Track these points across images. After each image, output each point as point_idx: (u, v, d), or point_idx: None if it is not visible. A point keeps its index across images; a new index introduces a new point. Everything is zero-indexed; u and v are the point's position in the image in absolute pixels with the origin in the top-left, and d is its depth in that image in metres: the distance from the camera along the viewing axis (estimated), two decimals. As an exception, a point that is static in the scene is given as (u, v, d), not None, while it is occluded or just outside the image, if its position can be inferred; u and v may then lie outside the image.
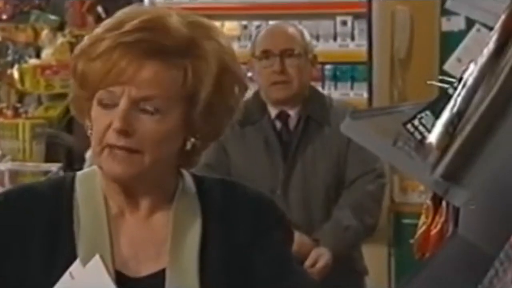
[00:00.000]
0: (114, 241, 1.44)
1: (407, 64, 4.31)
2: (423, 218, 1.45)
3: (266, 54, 2.98)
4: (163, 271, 1.43)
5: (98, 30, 1.43)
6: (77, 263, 1.41)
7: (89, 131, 1.45)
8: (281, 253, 1.50)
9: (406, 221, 4.11)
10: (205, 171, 2.95)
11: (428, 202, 1.42)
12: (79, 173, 1.52)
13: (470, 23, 3.99)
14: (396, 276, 4.19)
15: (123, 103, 1.39)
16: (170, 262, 1.44)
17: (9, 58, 4.66)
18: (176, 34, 1.40)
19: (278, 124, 3.00)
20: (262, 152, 2.96)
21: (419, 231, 1.44)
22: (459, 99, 1.35)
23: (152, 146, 1.40)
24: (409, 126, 1.38)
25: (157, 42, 1.39)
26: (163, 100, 1.40)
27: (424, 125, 1.39)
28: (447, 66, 4.07)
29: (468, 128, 1.26)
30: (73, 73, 1.44)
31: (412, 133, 1.38)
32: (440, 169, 1.27)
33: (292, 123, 2.99)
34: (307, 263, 2.86)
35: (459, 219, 1.25)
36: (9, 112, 4.30)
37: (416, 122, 1.39)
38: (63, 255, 1.43)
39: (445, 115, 1.35)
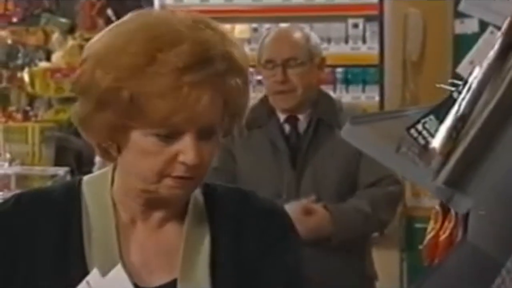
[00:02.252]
0: (123, 249, 1.43)
1: (420, 67, 4.27)
2: (431, 223, 1.43)
3: (269, 63, 2.96)
4: (174, 282, 1.43)
5: (141, 53, 1.34)
6: (95, 273, 1.38)
7: (111, 146, 1.41)
8: (292, 263, 1.50)
9: (418, 225, 4.09)
10: (212, 175, 2.89)
11: (437, 207, 1.41)
12: (86, 177, 1.51)
13: (483, 25, 3.95)
14: (408, 280, 4.17)
15: (191, 137, 1.38)
16: (182, 273, 1.43)
17: (19, 61, 4.67)
18: (224, 55, 1.38)
19: (287, 128, 2.97)
20: (268, 155, 2.92)
21: (428, 237, 1.42)
22: (464, 103, 1.32)
23: (207, 169, 1.43)
24: (412, 131, 1.36)
25: (215, 70, 1.37)
26: (217, 123, 1.41)
27: (427, 130, 1.36)
28: (460, 69, 4.04)
29: (472, 133, 1.24)
30: (108, 95, 1.36)
31: (415, 138, 1.36)
32: (443, 175, 1.25)
33: (301, 126, 2.96)
34: (304, 209, 2.82)
35: (468, 225, 1.24)
36: (19, 116, 4.30)
37: (419, 127, 1.37)
38: (73, 262, 1.42)
39: (449, 120, 1.32)
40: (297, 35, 2.98)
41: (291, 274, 1.49)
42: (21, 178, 3.56)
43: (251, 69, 1.50)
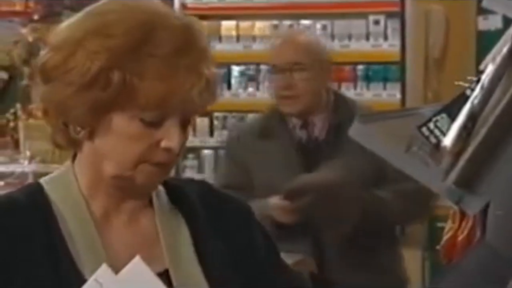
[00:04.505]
0: (104, 244, 1.41)
1: (442, 64, 4.24)
2: (449, 223, 1.42)
3: (274, 68, 2.93)
4: (165, 272, 1.42)
5: (127, 34, 1.35)
6: (104, 269, 1.34)
7: (81, 133, 1.39)
8: (263, 230, 1.56)
9: (440, 224, 4.05)
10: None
11: (455, 207, 1.38)
12: (44, 179, 1.47)
13: (507, 22, 3.89)
14: (430, 279, 4.14)
15: (176, 123, 1.38)
16: (171, 262, 1.43)
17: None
18: (206, 41, 1.42)
19: (302, 134, 2.90)
20: (283, 165, 2.84)
21: (446, 237, 1.40)
22: (476, 102, 1.29)
23: (180, 157, 1.43)
24: (424, 129, 1.34)
25: (205, 55, 1.40)
26: (198, 111, 1.43)
27: (439, 129, 1.34)
28: (483, 66, 3.99)
29: (482, 132, 1.22)
30: (97, 77, 1.35)
31: (427, 137, 1.34)
32: (453, 175, 1.24)
33: (317, 131, 2.89)
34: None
35: (487, 225, 1.22)
36: (39, 113, 4.31)
37: (431, 125, 1.34)
38: (63, 266, 1.39)
39: (461, 118, 1.29)
40: (303, 39, 2.95)
41: (267, 242, 1.55)
42: (39, 176, 3.56)
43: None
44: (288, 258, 1.69)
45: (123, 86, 1.35)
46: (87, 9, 1.41)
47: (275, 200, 2.77)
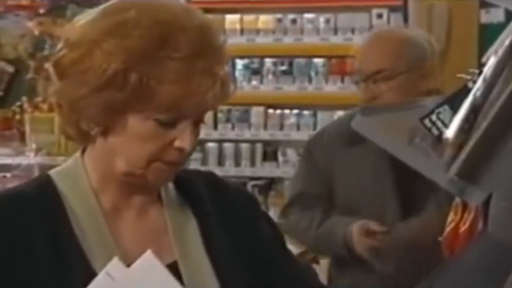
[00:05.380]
0: (114, 237, 1.42)
1: (445, 57, 4.23)
2: (451, 215, 1.43)
3: (359, 75, 2.49)
4: (174, 264, 1.42)
5: (147, 38, 1.33)
6: (115, 263, 1.34)
7: (94, 129, 1.39)
8: (270, 221, 1.57)
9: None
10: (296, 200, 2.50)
11: (457, 199, 1.40)
12: (53, 172, 1.46)
13: (509, 15, 3.91)
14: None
15: (190, 123, 1.38)
16: (180, 254, 1.44)
17: (46, 52, 4.70)
18: (223, 42, 1.40)
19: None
20: (369, 176, 2.44)
21: (448, 228, 1.41)
22: (478, 94, 1.31)
23: (190, 155, 1.44)
24: (426, 121, 1.36)
25: (220, 57, 1.39)
26: (212, 110, 1.44)
27: (442, 120, 1.36)
28: (485, 59, 4.00)
29: (484, 124, 1.23)
30: (114, 78, 1.34)
31: (429, 129, 1.36)
32: (455, 167, 1.25)
33: None
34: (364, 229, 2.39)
35: (489, 217, 1.23)
36: (45, 106, 4.33)
37: (433, 117, 1.36)
38: (72, 258, 1.39)
39: (463, 110, 1.31)
40: (393, 41, 2.48)
41: (274, 232, 1.55)
42: (45, 168, 3.59)
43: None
44: (294, 249, 1.70)
45: (138, 87, 1.34)
46: (104, 7, 1.40)
47: (360, 230, 2.38)
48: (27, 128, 4.37)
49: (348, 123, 2.48)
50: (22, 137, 4.41)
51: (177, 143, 1.38)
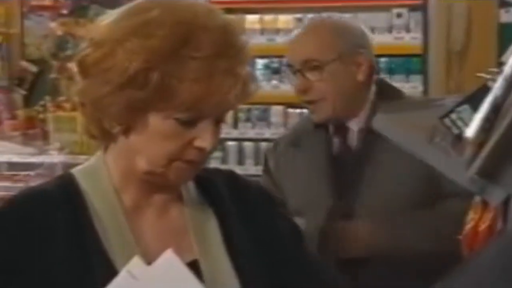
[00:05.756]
0: (136, 236, 1.42)
1: (464, 56, 4.25)
2: (471, 213, 1.42)
3: (290, 68, 2.32)
4: (194, 262, 1.42)
5: (167, 39, 1.34)
6: (136, 262, 1.33)
7: (116, 128, 1.40)
8: (289, 218, 1.58)
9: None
10: None
11: (477, 197, 1.40)
12: (76, 170, 1.47)
13: (529, 14, 3.91)
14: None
15: (211, 122, 1.38)
16: (201, 252, 1.44)
17: (69, 52, 4.74)
18: (244, 42, 1.41)
19: (336, 142, 2.32)
20: (311, 177, 2.30)
21: (467, 227, 1.41)
22: (498, 93, 1.32)
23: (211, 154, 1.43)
24: (446, 120, 1.36)
25: (242, 56, 1.40)
26: (233, 109, 1.43)
27: (462, 119, 1.36)
28: (504, 58, 4.00)
29: (505, 123, 1.24)
30: (136, 77, 1.35)
31: (449, 128, 1.36)
32: (476, 166, 1.25)
33: (351, 139, 2.30)
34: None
35: (508, 216, 1.24)
36: (68, 105, 4.37)
37: (454, 116, 1.36)
38: (93, 255, 1.39)
39: (484, 109, 1.32)
40: (320, 30, 2.30)
41: (293, 230, 1.55)
42: (67, 167, 3.64)
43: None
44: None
45: (160, 86, 1.35)
46: (128, 6, 1.41)
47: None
48: (50, 127, 4.41)
49: (297, 126, 2.48)
50: (45, 136, 4.46)
51: (197, 143, 1.38)
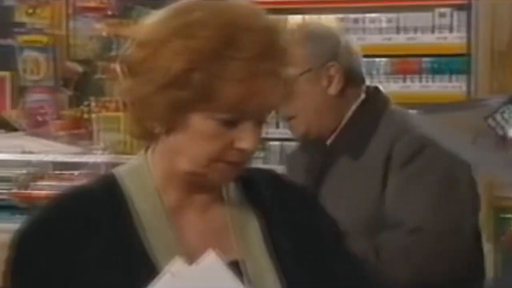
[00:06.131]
0: (179, 236, 1.43)
1: (508, 56, 4.20)
2: None
3: None
4: (235, 263, 1.43)
5: (211, 40, 1.35)
6: (178, 262, 1.35)
7: (157, 128, 1.41)
8: (332, 219, 1.56)
9: (505, 215, 4.02)
10: None
11: None
12: (118, 170, 1.49)
13: None
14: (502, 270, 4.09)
15: (252, 123, 1.39)
16: (242, 252, 1.45)
17: (114, 53, 4.78)
18: (287, 44, 1.42)
19: (313, 157, 2.27)
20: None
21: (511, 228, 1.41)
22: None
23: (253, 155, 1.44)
24: (490, 120, 1.36)
25: (285, 58, 1.40)
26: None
27: (506, 120, 1.36)
28: (550, 58, 3.96)
29: None
30: (178, 77, 1.36)
31: (493, 128, 1.36)
32: None
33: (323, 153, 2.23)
34: None
35: None
36: (112, 106, 4.42)
37: (498, 116, 1.36)
38: (135, 255, 1.40)
39: (528, 110, 1.32)
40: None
41: (333, 229, 1.55)
42: (111, 167, 3.71)
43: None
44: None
45: (202, 87, 1.36)
46: (172, 7, 1.42)
47: None
48: (95, 127, 4.46)
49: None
50: (91, 136, 4.51)
51: (238, 144, 1.39)
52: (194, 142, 1.39)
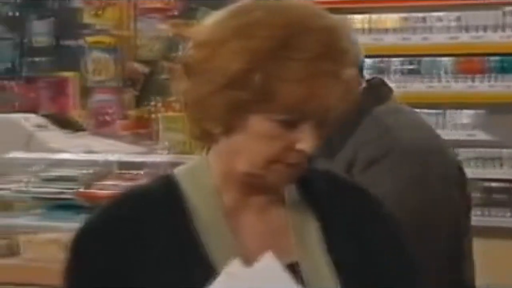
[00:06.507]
0: (236, 237, 1.42)
1: None
2: None
3: None
4: (292, 265, 1.41)
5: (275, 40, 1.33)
6: (236, 263, 1.34)
7: (217, 128, 1.40)
8: (395, 227, 1.52)
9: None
10: None
11: None
12: (178, 170, 1.49)
13: None
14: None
15: (311, 125, 1.38)
16: (300, 255, 1.43)
17: (179, 53, 4.83)
18: (349, 45, 1.39)
19: None
20: None
21: None
22: None
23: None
24: None
25: (346, 60, 1.38)
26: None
27: None
28: None
29: None
30: (237, 77, 1.36)
31: None
32: None
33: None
34: None
35: None
36: (177, 106, 4.45)
37: None
38: (194, 255, 1.40)
39: None
40: None
41: (393, 230, 1.51)
42: (174, 167, 3.72)
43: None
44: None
45: (261, 87, 1.35)
46: (231, 8, 1.41)
47: None
48: (160, 127, 4.50)
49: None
50: (154, 136, 4.56)
51: (298, 146, 1.38)
52: (253, 143, 1.39)
